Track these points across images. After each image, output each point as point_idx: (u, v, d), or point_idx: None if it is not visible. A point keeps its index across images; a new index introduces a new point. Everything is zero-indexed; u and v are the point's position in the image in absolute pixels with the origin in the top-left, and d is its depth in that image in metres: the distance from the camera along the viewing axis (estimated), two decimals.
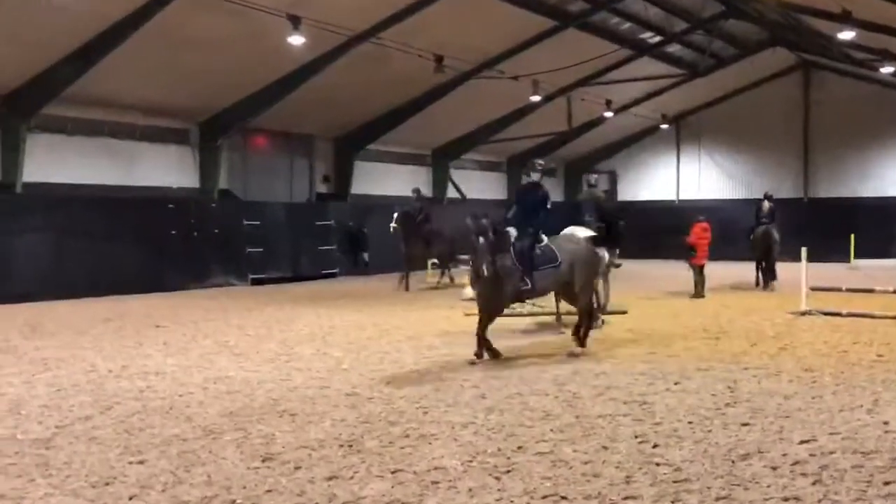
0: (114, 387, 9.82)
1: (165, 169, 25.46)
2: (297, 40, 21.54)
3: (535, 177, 12.62)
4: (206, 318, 16.89)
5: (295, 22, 21.08)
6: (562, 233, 13.68)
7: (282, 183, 29.82)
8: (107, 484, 6.24)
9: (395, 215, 23.44)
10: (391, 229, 23.32)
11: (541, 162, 12.96)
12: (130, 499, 5.92)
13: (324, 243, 28.55)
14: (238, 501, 5.87)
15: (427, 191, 35.15)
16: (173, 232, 24.02)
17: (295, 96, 25.37)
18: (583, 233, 14.03)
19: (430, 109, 29.65)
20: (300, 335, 14.27)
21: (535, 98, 30.35)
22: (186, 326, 15.49)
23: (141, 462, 6.78)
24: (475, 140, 34.73)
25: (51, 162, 22.38)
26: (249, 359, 11.81)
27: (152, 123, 25.00)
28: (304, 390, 9.64)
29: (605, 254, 14.93)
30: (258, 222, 26.14)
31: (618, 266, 17.00)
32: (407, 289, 23.15)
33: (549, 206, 12.13)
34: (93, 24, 19.84)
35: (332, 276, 28.04)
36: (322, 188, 31.34)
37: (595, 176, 19.73)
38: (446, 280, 24.58)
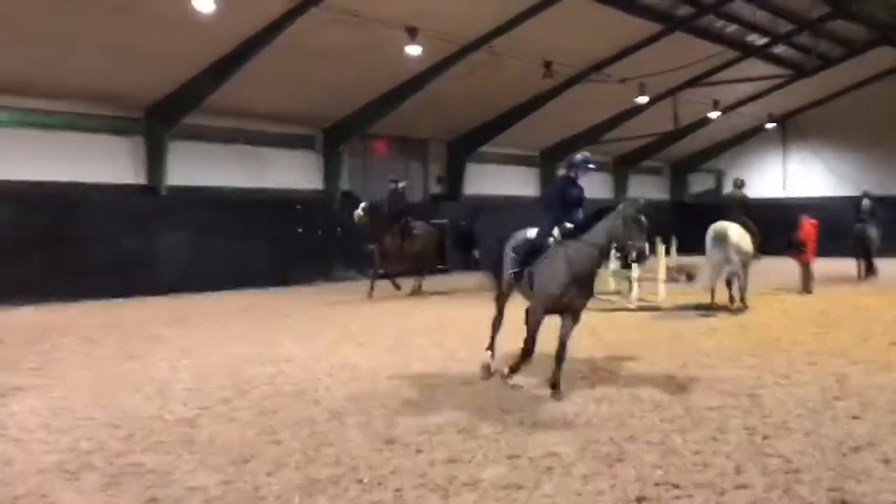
0: (250, 372, 10.13)
1: (293, 172, 26.07)
2: (414, 50, 21.81)
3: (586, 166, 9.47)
4: (331, 310, 17.25)
5: (412, 33, 21.36)
6: (712, 226, 15.94)
7: None
8: (245, 461, 6.44)
9: (362, 205, 19.76)
10: (355, 218, 19.65)
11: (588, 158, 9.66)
12: (267, 475, 6.09)
13: None
14: (365, 481, 5.98)
15: (536, 191, 35.05)
16: (300, 230, 24.64)
17: (411, 103, 25.64)
18: (733, 229, 15.81)
19: (538, 112, 29.50)
20: (417, 327, 14.41)
21: (642, 100, 29.87)
22: (313, 317, 15.85)
23: (275, 442, 6.98)
24: (582, 141, 34.35)
25: (191, 167, 23.22)
26: (371, 348, 12.00)
27: (281, 131, 25.65)
28: (423, 378, 9.74)
29: (750, 247, 16.19)
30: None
31: (758, 259, 17.20)
32: (370, 295, 18.97)
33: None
34: (228, 40, 20.50)
35: (445, 272, 28.20)
36: (436, 189, 31.58)
37: (742, 179, 19.39)
38: (427, 286, 20.72)
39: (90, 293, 19.49)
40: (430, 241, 20.45)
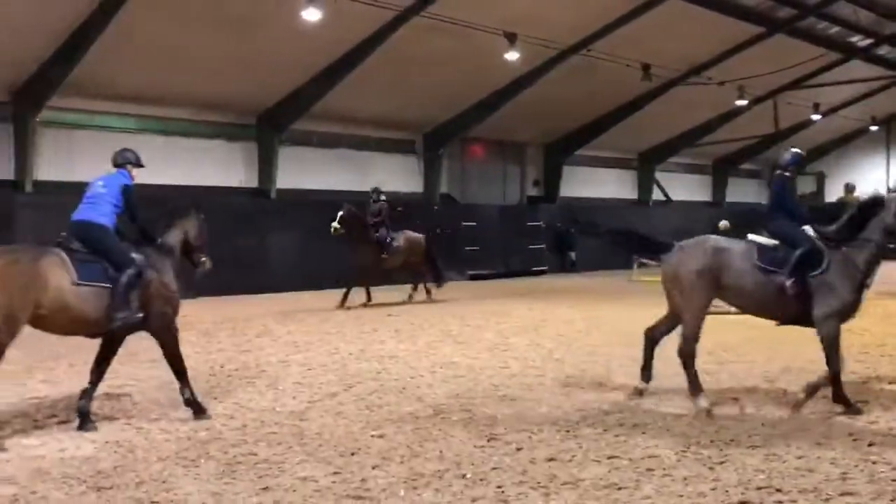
0: (355, 367, 10.27)
1: (394, 175, 26.34)
2: (512, 56, 21.79)
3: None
4: (431, 308, 17.35)
5: (511, 39, 21.35)
6: None
7: (496, 187, 30.22)
8: (352, 454, 6.51)
9: (339, 214, 17.82)
10: (332, 230, 17.71)
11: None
12: (373, 468, 6.14)
13: (534, 242, 28.63)
14: (468, 476, 5.97)
15: (632, 193, 34.49)
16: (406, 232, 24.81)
17: (508, 107, 25.63)
18: None
19: (636, 115, 29.07)
20: (514, 327, 14.35)
21: (742, 102, 29.10)
22: (414, 316, 15.96)
23: (381, 436, 7.04)
24: (680, 143, 33.71)
25: (299, 171, 23.74)
26: (470, 347, 12.00)
27: (383, 135, 25.97)
28: (522, 378, 9.68)
29: None
30: (474, 223, 26.56)
31: None
32: (341, 305, 17.28)
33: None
34: (335, 50, 20.88)
35: (542, 273, 28.07)
36: (532, 191, 31.46)
37: (853, 183, 19.07)
38: (427, 293, 18.96)
39: (205, 289, 20.03)
40: (415, 251, 18.65)
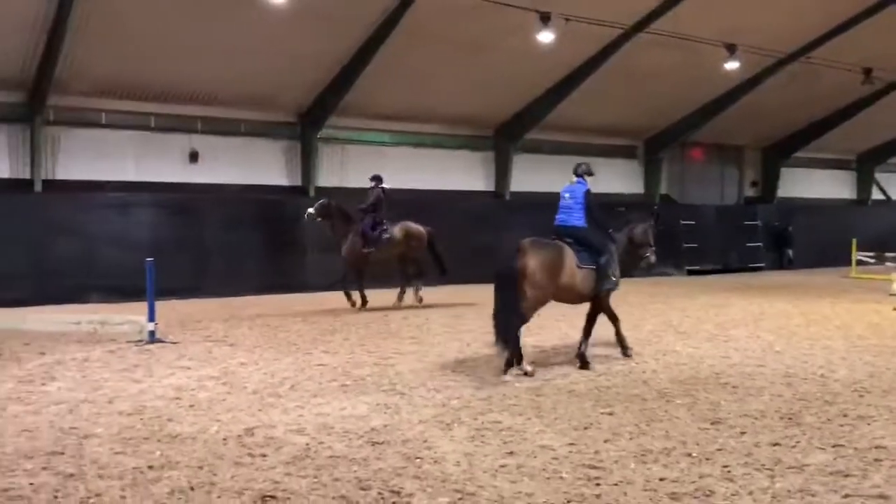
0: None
1: (616, 178, 25.94)
2: (732, 65, 20.74)
3: None
4: (652, 301, 16.86)
5: (731, 49, 20.31)
6: None
7: (713, 188, 28.90)
8: (585, 428, 6.49)
9: (319, 202, 15.39)
10: (306, 217, 15.24)
11: None
12: (605, 441, 6.10)
13: (750, 240, 27.06)
14: (694, 455, 5.78)
15: (851, 193, 31.74)
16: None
17: (727, 113, 24.43)
18: None
19: (855, 118, 26.68)
20: (733, 319, 13.65)
21: None
22: (635, 308, 15.55)
23: (610, 413, 6.97)
24: None
25: (530, 175, 23.94)
26: (691, 337, 11.57)
27: (606, 142, 25.60)
28: (742, 367, 9.21)
29: None
30: (693, 222, 25.52)
31: None
32: (356, 302, 15.03)
33: None
34: (564, 66, 20.86)
35: (758, 269, 26.47)
36: (749, 192, 29.76)
37: None
38: (418, 296, 15.75)
39: (452, 279, 20.77)
40: (413, 244, 15.65)
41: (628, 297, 17.47)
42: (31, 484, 5.06)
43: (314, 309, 15.49)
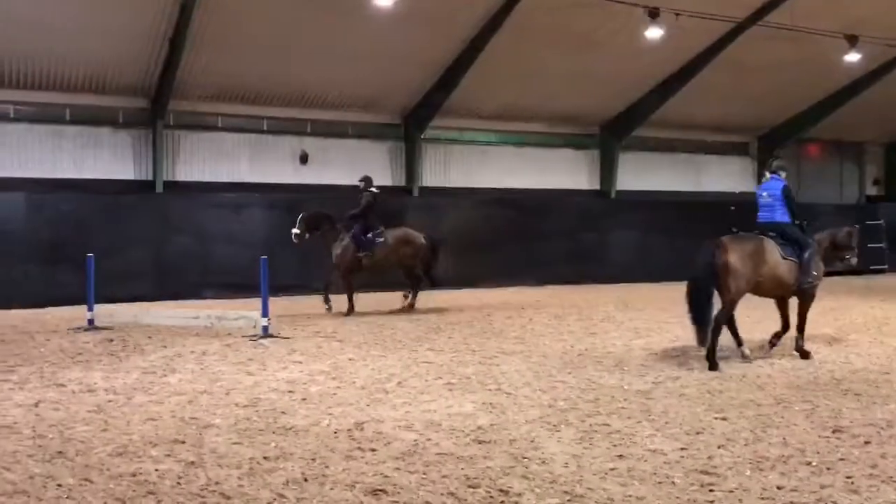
0: (695, 354, 9.85)
1: (727, 177, 25.15)
2: (853, 57, 19.73)
3: None
4: (769, 303, 16.21)
5: (852, 41, 19.33)
6: None
7: (832, 186, 27.58)
8: (697, 433, 6.30)
9: (300, 216, 14.26)
10: (294, 239, 14.11)
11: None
12: (718, 447, 5.90)
13: (873, 241, 25.62)
14: (813, 464, 5.52)
15: None
16: (734, 230, 23.54)
17: (847, 108, 23.24)
18: None
19: None
20: (854, 323, 12.99)
21: None
22: (753, 311, 15.02)
23: (724, 419, 6.74)
24: None
25: (637, 173, 23.51)
26: (810, 341, 11.00)
27: (717, 139, 24.85)
28: (865, 373, 8.73)
29: None
30: (809, 222, 24.41)
31: None
32: (332, 307, 14.23)
33: None
34: (673, 62, 20.37)
35: (881, 272, 25.06)
36: (872, 190, 28.23)
37: None
38: (409, 304, 14.87)
39: (553, 279, 20.67)
40: (407, 251, 14.71)
41: (745, 299, 16.92)
42: (156, 470, 5.33)
43: (416, 307, 15.68)
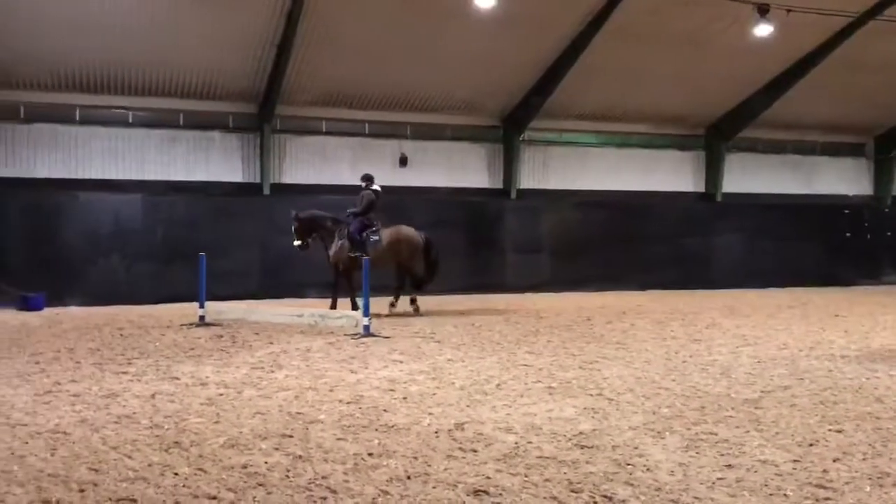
0: (805, 364, 9.54)
1: (841, 179, 24.03)
2: None
3: None
4: (882, 311, 15.45)
5: None
6: None
7: None
8: (811, 445, 6.05)
9: (293, 226, 14.32)
10: (298, 248, 14.38)
11: None
12: (834, 461, 5.64)
13: None
14: None
15: None
16: (848, 234, 22.60)
17: None
18: None
19: None
20: None
21: None
22: (863, 317, 14.36)
23: (839, 431, 6.44)
24: None
25: (744, 175, 22.76)
26: None
27: (830, 140, 23.77)
28: None
29: None
30: None
31: None
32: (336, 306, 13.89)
33: None
34: (783, 60, 19.62)
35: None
36: None
37: None
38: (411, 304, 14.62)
39: (656, 284, 20.27)
40: (404, 250, 14.47)
41: (854, 306, 16.17)
42: (265, 462, 5.51)
43: (515, 309, 15.66)
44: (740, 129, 21.71)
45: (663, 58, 18.68)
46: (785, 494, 4.94)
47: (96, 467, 5.36)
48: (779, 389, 8.05)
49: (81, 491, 4.91)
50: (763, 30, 17.18)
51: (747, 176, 22.78)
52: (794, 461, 5.63)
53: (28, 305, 15.49)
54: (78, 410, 6.99)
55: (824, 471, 5.42)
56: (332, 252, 14.25)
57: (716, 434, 6.31)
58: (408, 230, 14.71)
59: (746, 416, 6.91)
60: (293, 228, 14.33)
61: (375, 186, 14.51)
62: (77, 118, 17.66)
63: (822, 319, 14.00)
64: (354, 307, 13.62)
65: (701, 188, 22.53)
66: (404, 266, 14.73)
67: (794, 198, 23.13)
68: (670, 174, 22.24)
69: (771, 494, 4.94)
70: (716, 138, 22.16)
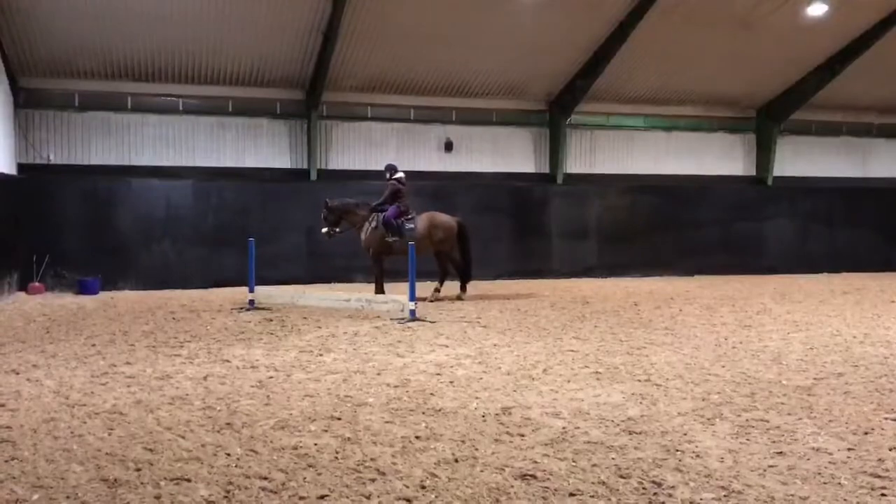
0: (859, 350, 9.34)
1: None
2: None
3: None
4: None
5: None
6: None
7: None
8: (865, 433, 5.93)
9: (323, 214, 14.62)
10: (327, 237, 14.66)
11: None
12: (890, 450, 5.52)
13: None
14: None
15: None
16: None
17: None
18: None
19: None
20: None
21: None
22: None
23: (895, 420, 6.30)
24: None
25: (796, 159, 22.26)
26: None
27: (887, 121, 23.06)
28: None
29: None
30: None
31: None
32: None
33: None
34: (838, 40, 19.06)
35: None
36: None
37: None
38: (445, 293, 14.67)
39: (705, 268, 20.02)
40: (439, 237, 14.46)
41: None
42: (315, 444, 5.59)
43: (561, 295, 15.58)
44: (793, 111, 21.19)
45: (713, 38, 18.30)
46: (839, 483, 4.86)
47: (151, 447, 5.50)
48: (832, 376, 7.90)
49: (138, 470, 5.04)
50: (818, 8, 16.73)
51: (800, 159, 22.26)
52: (849, 449, 5.53)
53: (84, 289, 15.92)
54: (133, 392, 7.17)
55: (880, 459, 5.31)
56: (364, 237, 14.44)
57: (767, 421, 6.23)
58: (441, 216, 14.77)
59: (798, 404, 6.79)
60: (323, 216, 14.58)
61: (399, 175, 14.65)
62: (129, 106, 17.99)
63: (876, 306, 13.67)
64: (380, 290, 13.84)
65: (752, 172, 22.08)
66: (442, 252, 14.74)
67: (849, 181, 22.55)
68: (720, 158, 21.83)
69: (825, 483, 4.86)
70: (767, 121, 21.67)
